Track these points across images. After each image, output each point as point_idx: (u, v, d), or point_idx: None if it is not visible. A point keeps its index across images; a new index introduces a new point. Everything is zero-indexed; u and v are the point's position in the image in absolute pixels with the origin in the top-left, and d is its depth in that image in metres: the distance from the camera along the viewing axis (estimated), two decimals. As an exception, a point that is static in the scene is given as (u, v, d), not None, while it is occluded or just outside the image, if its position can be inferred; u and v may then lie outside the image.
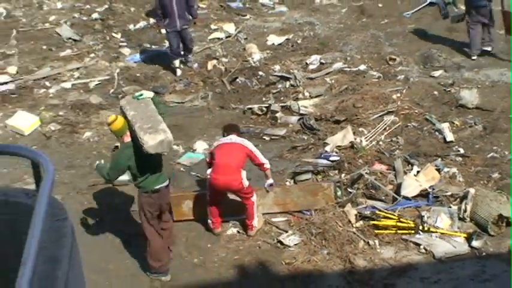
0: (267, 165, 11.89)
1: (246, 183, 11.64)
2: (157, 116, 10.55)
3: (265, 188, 12.12)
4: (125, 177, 13.28)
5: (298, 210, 12.41)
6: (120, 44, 19.57)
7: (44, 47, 19.48)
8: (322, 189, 12.30)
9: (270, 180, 12.08)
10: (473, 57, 17.02)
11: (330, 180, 12.82)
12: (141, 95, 10.91)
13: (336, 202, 12.19)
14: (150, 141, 10.12)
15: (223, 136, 12.05)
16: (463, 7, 17.44)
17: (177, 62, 17.46)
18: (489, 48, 16.99)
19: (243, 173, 11.62)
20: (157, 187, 10.85)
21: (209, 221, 12.07)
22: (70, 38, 19.63)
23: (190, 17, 17.45)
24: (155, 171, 10.82)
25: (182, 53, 17.57)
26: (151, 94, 11.14)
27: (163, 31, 18.10)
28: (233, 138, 11.84)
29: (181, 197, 12.47)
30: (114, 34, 20.14)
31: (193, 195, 12.59)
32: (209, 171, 11.81)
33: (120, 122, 10.66)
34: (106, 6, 21.82)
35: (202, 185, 12.70)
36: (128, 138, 10.68)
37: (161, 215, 11.19)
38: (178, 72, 17.46)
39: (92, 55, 18.88)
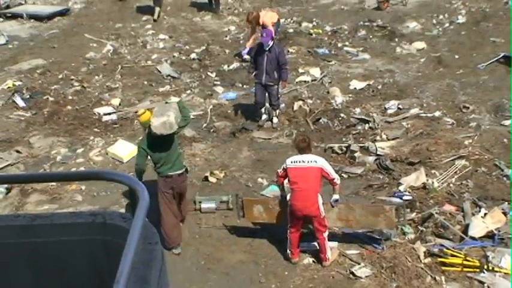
0: (337, 181, 11.80)
1: (322, 210, 11.63)
2: (171, 109, 12.19)
3: (330, 202, 11.99)
4: (212, 204, 13.49)
5: (359, 228, 12.45)
6: (215, 82, 19.74)
7: (145, 82, 19.78)
8: (383, 211, 12.10)
9: (336, 196, 11.96)
10: None
11: (392, 204, 12.81)
12: (170, 100, 13.07)
13: (396, 226, 12.11)
14: (155, 122, 11.86)
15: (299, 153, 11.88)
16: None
17: (262, 110, 17.17)
18: None
19: (320, 199, 11.60)
20: (171, 173, 12.31)
21: (288, 251, 12.06)
22: (169, 75, 19.90)
23: (277, 77, 16.54)
24: (169, 161, 12.24)
25: (267, 105, 17.13)
26: (177, 99, 13.39)
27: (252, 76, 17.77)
28: (306, 159, 11.69)
29: (253, 201, 12.80)
30: (209, 73, 20.34)
31: (264, 201, 12.92)
32: (288, 196, 11.81)
33: (147, 116, 12.35)
34: (203, 47, 22.07)
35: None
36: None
37: (178, 199, 12.69)
38: (263, 117, 17.21)
39: (188, 91, 19.09)
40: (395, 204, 12.67)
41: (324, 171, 11.61)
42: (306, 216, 11.76)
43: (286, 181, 11.97)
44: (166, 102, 12.83)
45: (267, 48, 16.26)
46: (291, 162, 11.73)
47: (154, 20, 25.31)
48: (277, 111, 17.05)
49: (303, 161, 11.65)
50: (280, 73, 16.50)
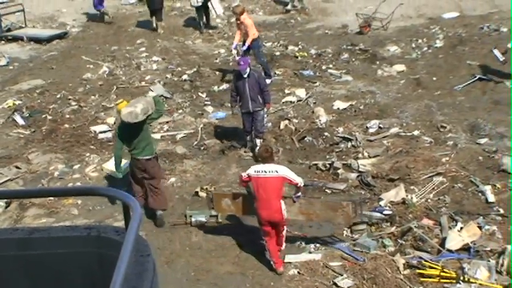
0: (301, 184, 12.04)
1: (285, 214, 11.89)
2: (142, 101, 13.46)
3: (292, 198, 12.20)
4: (202, 218, 13.52)
5: (319, 221, 12.93)
6: (205, 102, 19.74)
7: (139, 102, 19.77)
8: (341, 206, 12.33)
9: (298, 194, 12.19)
10: None
11: (350, 200, 13.13)
12: (148, 95, 15.14)
13: (354, 222, 12.64)
14: (123, 111, 13.12)
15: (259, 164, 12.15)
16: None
17: (248, 137, 16.82)
18: None
19: (283, 205, 11.84)
20: (139, 158, 13.53)
21: (271, 262, 12.13)
22: (162, 95, 19.88)
23: (262, 101, 16.23)
24: (138, 147, 13.43)
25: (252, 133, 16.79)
26: (154, 94, 15.55)
27: (235, 111, 16.77)
28: (268, 168, 11.86)
29: (222, 195, 13.25)
30: (200, 94, 20.35)
31: (231, 194, 13.17)
32: (255, 204, 12.00)
33: (122, 105, 13.63)
34: (195, 69, 22.08)
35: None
36: None
37: (148, 179, 13.76)
38: (248, 144, 16.85)
39: (180, 111, 19.09)
40: (353, 200, 13.04)
41: (286, 179, 11.88)
42: (271, 222, 11.92)
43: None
44: (146, 96, 14.62)
45: (246, 75, 15.98)
46: (254, 171, 11.92)
47: (156, 30, 26.32)
48: (261, 140, 16.59)
49: (265, 171, 11.83)
50: (263, 97, 16.24)
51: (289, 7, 27.71)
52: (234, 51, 21.23)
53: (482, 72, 20.03)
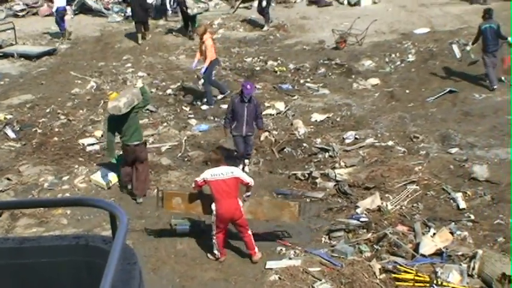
0: (251, 183, 12.60)
1: (243, 211, 12.30)
2: (127, 95, 14.55)
3: (243, 197, 12.52)
4: (186, 227, 13.50)
5: (266, 219, 13.20)
6: (189, 115, 19.69)
7: (126, 115, 19.71)
8: (288, 206, 12.78)
9: (248, 193, 12.58)
10: (495, 87, 19.53)
11: (297, 200, 13.67)
12: (136, 85, 16.89)
13: (299, 219, 12.88)
14: (109, 104, 14.43)
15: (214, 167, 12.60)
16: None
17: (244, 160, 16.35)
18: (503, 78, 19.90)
19: (240, 202, 12.30)
20: (129, 143, 14.59)
21: (216, 253, 12.58)
22: (147, 109, 19.84)
23: (255, 126, 15.88)
24: (127, 134, 14.50)
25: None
26: (141, 85, 16.18)
27: (229, 135, 16.24)
28: (224, 171, 12.32)
29: (173, 194, 13.53)
30: (183, 107, 20.31)
31: (182, 193, 13.44)
32: (213, 206, 12.31)
33: (112, 97, 14.69)
34: (178, 84, 22.06)
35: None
36: None
37: (139, 165, 14.88)
38: (240, 166, 15.87)
39: (165, 124, 19.04)
40: (299, 201, 13.52)
41: (239, 180, 12.31)
42: (232, 220, 12.38)
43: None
44: (134, 87, 16.31)
45: (247, 100, 15.52)
46: (211, 175, 12.28)
47: (142, 41, 26.60)
48: (251, 160, 16.53)
49: (222, 174, 12.24)
50: (257, 122, 15.82)
51: (265, 28, 27.65)
52: (201, 83, 20.84)
53: (452, 85, 20.15)
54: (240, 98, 15.64)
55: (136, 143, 14.65)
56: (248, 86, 15.68)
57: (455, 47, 21.54)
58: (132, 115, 14.48)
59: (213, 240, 12.53)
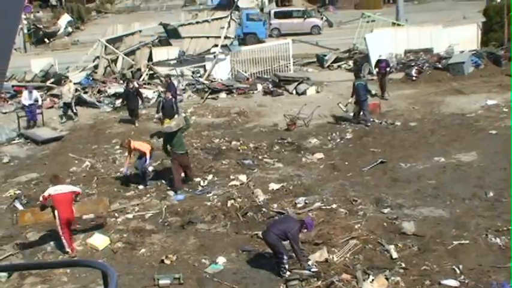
0: (80, 191, 16.14)
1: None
2: (176, 120, 19.15)
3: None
4: (168, 280, 13.31)
5: (80, 214, 16.06)
6: (167, 188, 19.58)
7: (115, 189, 19.57)
8: (102, 201, 16.72)
9: (78, 198, 16.01)
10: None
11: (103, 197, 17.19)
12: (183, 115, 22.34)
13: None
14: (164, 126, 18.87)
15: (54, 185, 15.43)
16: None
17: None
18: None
19: (74, 208, 15.22)
20: (176, 152, 18.36)
21: (68, 250, 14.77)
22: (134, 184, 19.72)
23: None
24: (175, 145, 18.27)
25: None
26: (184, 114, 21.32)
27: None
28: (63, 188, 15.41)
29: (25, 211, 16.11)
30: (163, 181, 20.17)
31: (31, 210, 16.10)
32: (56, 212, 14.82)
33: (167, 122, 19.50)
34: (159, 162, 21.96)
35: None
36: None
37: (185, 167, 18.75)
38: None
39: (148, 195, 18.91)
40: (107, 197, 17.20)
41: (74, 192, 15.45)
42: (70, 221, 15.02)
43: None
44: (185, 117, 20.95)
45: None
46: (54, 190, 15.03)
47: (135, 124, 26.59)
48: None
49: (61, 190, 15.15)
50: None
51: None
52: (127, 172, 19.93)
53: (383, 157, 20.33)
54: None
55: (181, 152, 18.42)
56: (311, 221, 14.14)
57: (340, 105, 25.15)
58: (179, 134, 18.30)
59: (63, 239, 14.85)
